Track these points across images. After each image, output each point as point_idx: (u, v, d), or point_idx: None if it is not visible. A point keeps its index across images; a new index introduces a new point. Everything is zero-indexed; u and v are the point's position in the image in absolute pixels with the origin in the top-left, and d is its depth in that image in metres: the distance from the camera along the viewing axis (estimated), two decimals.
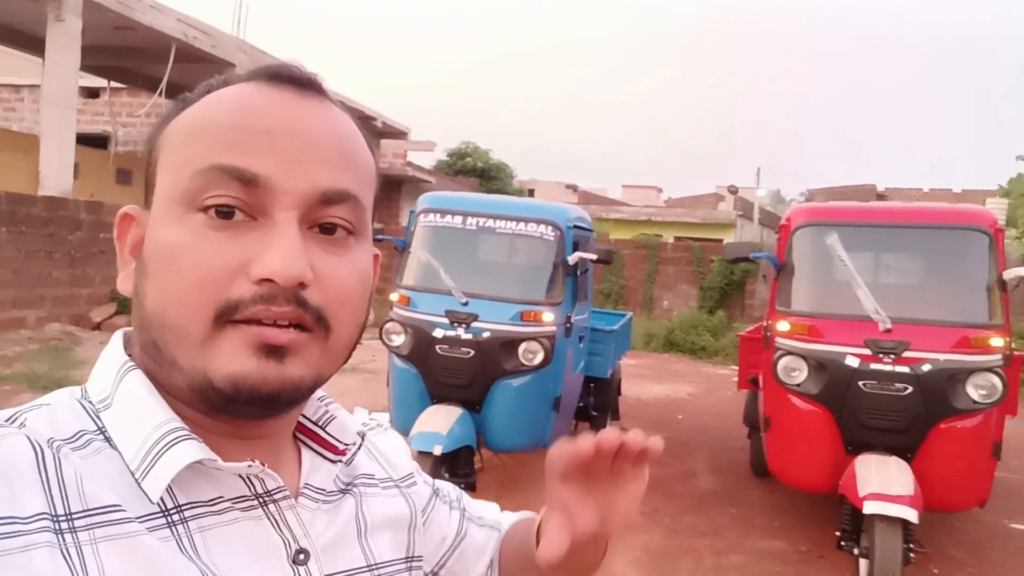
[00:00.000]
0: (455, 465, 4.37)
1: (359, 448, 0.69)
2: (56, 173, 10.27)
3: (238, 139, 0.54)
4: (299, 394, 0.56)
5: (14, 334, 8.87)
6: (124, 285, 0.59)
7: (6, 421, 0.53)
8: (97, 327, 9.96)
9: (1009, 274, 4.03)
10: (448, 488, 0.86)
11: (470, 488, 4.48)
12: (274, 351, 0.53)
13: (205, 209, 0.53)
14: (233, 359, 0.53)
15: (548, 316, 4.68)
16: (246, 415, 0.56)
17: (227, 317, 0.53)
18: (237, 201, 0.53)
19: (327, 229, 0.57)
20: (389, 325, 4.71)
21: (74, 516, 0.49)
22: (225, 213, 0.53)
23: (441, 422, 4.33)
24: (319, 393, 0.69)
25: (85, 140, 13.71)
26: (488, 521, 0.87)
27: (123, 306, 10.39)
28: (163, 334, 0.54)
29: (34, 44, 11.65)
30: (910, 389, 3.87)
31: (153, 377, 0.57)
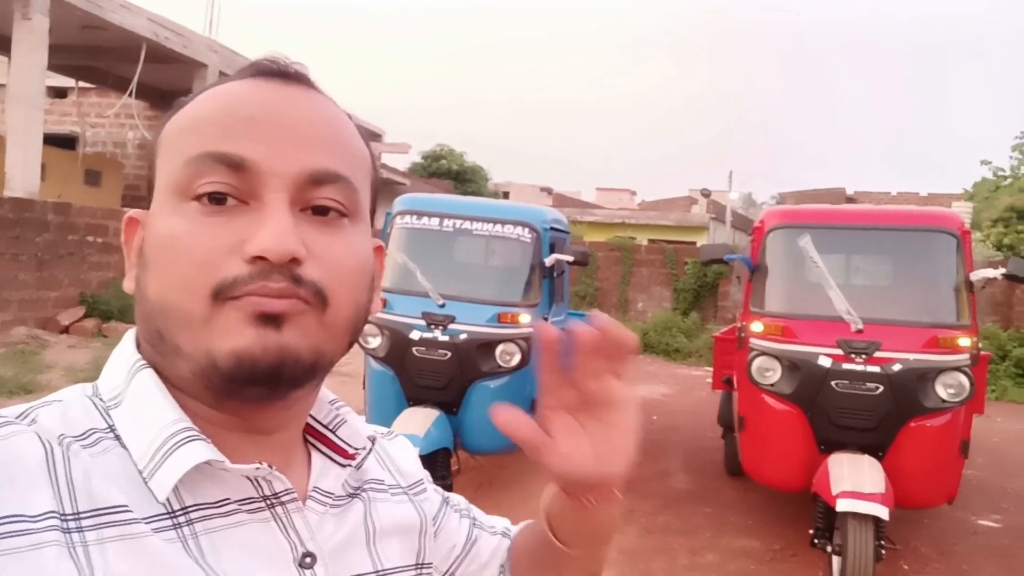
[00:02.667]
0: (432, 467, 4.36)
1: (369, 453, 0.68)
2: (22, 174, 10.08)
3: (225, 127, 0.55)
4: (300, 368, 0.56)
5: None
6: (129, 284, 0.60)
7: (17, 417, 0.52)
8: (65, 330, 9.78)
9: (976, 275, 4.12)
10: (458, 498, 0.86)
11: (446, 490, 4.47)
12: (271, 319, 0.54)
13: (198, 197, 0.54)
14: (233, 334, 0.53)
15: (525, 317, 4.69)
16: (250, 396, 0.56)
17: (225, 295, 0.53)
18: (228, 187, 0.54)
19: (320, 211, 0.57)
20: (365, 327, 4.65)
21: (82, 516, 0.49)
22: (217, 199, 0.54)
23: (418, 424, 4.32)
24: (330, 396, 0.69)
25: (52, 140, 13.47)
26: (499, 529, 0.87)
27: (92, 309, 10.22)
28: (165, 320, 0.55)
29: (0, 43, 11.43)
30: (881, 388, 3.94)
31: (161, 373, 0.57)
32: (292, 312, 0.54)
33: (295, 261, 0.54)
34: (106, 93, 15.76)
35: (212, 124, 0.56)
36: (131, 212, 0.62)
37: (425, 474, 0.81)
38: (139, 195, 16.43)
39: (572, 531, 0.72)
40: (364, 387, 4.98)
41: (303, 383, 0.58)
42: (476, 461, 5.40)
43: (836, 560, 3.77)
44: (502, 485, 5.29)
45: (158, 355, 0.57)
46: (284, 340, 0.54)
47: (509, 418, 0.60)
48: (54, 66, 11.69)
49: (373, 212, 0.65)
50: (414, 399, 4.60)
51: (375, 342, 4.65)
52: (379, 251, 0.68)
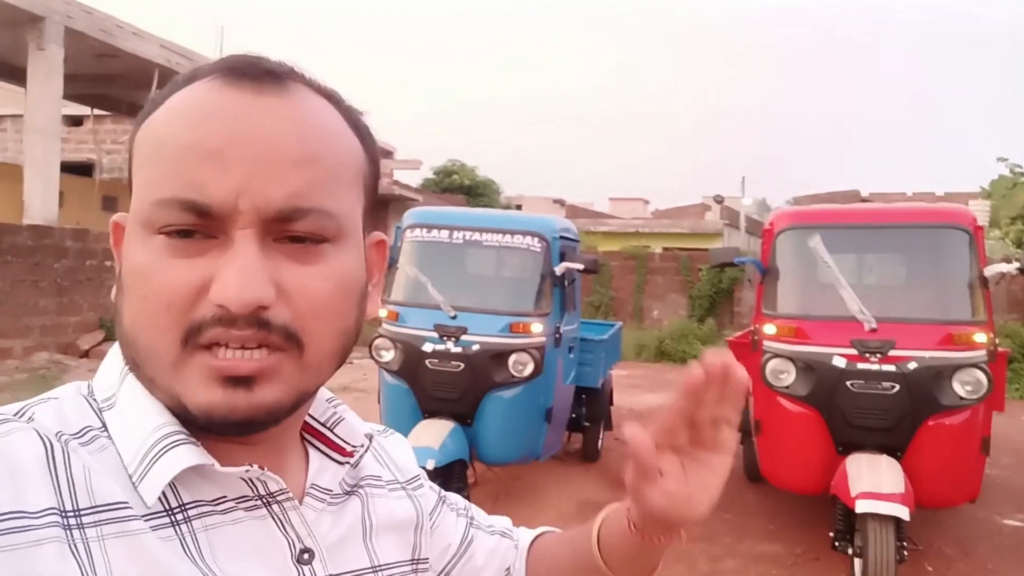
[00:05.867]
0: (448, 479, 4.36)
1: (366, 450, 0.68)
2: (41, 202, 10.26)
3: (189, 164, 0.53)
4: (275, 416, 0.55)
5: (0, 364, 8.80)
6: (115, 294, 0.58)
7: (15, 415, 0.52)
8: (85, 355, 9.91)
9: (990, 270, 4.08)
10: (456, 497, 0.85)
11: None
12: (241, 381, 0.52)
13: (166, 232, 0.53)
14: (200, 390, 0.52)
15: (537, 327, 4.69)
16: (227, 434, 0.56)
17: (193, 340, 0.52)
18: (194, 225, 0.53)
19: (297, 238, 0.55)
20: (378, 341, 4.71)
21: (82, 512, 0.49)
22: (185, 232, 0.53)
23: (433, 436, 4.32)
24: (327, 394, 0.69)
25: (70, 168, 13.69)
26: (498, 529, 0.86)
27: (111, 333, 10.32)
28: (138, 354, 0.54)
29: (16, 74, 11.66)
30: (897, 387, 3.90)
31: None
32: (264, 369, 0.53)
33: (262, 307, 0.52)
34: (121, 120, 16.01)
35: (177, 156, 0.53)
36: (116, 217, 0.60)
37: (421, 471, 0.81)
38: None
39: (625, 560, 0.74)
40: (379, 401, 5.00)
41: (283, 421, 0.58)
42: (493, 472, 5.39)
43: (858, 562, 3.73)
44: (519, 496, 5.28)
45: (136, 375, 0.56)
46: (256, 399, 0.53)
47: (639, 436, 0.61)
48: (69, 95, 11.90)
49: (373, 210, 0.63)
50: (428, 411, 4.61)
51: (388, 356, 4.67)
52: (380, 245, 0.66)
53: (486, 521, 0.86)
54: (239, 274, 0.51)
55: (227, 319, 0.52)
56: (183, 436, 0.54)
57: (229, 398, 0.52)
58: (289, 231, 0.54)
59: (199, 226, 0.53)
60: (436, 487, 0.83)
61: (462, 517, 0.83)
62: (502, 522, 0.88)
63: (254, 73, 0.56)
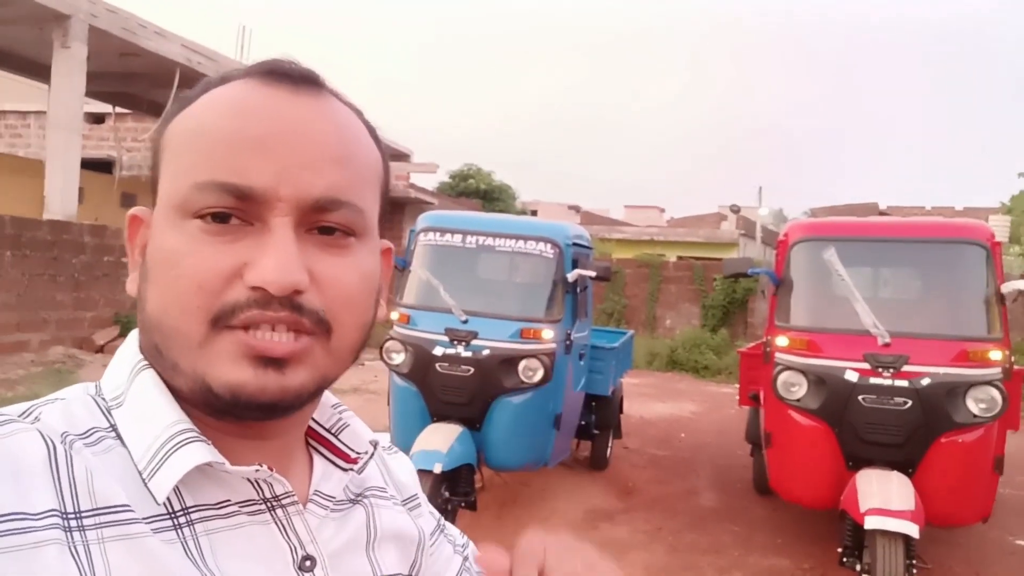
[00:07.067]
0: (455, 483, 4.36)
1: (371, 457, 0.68)
2: (61, 197, 10.37)
3: (232, 150, 0.54)
4: (301, 400, 0.56)
5: (17, 357, 8.90)
6: (131, 286, 0.59)
7: (20, 415, 0.52)
8: (100, 350, 9.99)
9: (1007, 287, 4.04)
10: (456, 532, 0.84)
11: (470, 507, 4.46)
12: (273, 361, 0.53)
13: (202, 216, 0.54)
14: (231, 368, 0.53)
15: (548, 333, 4.69)
16: (247, 417, 0.56)
17: (224, 322, 0.53)
18: (232, 209, 0.54)
19: (326, 230, 0.57)
20: (389, 344, 4.72)
21: (83, 515, 0.49)
22: (221, 217, 0.54)
23: (441, 440, 4.32)
24: (333, 400, 0.69)
25: (90, 165, 13.85)
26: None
27: (126, 329, 10.43)
28: (163, 337, 0.55)
29: (40, 71, 11.80)
30: (910, 403, 3.86)
31: (161, 377, 0.57)
32: (296, 352, 0.54)
33: (297, 291, 0.53)
34: (142, 118, 16.17)
35: (218, 143, 0.55)
36: (134, 210, 0.61)
37: (421, 493, 0.80)
38: None
39: None
40: (388, 404, 5.01)
41: (304, 407, 0.59)
42: (500, 478, 5.39)
43: None
44: (526, 503, 5.27)
45: (157, 366, 0.57)
46: (286, 381, 0.54)
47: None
48: (92, 92, 12.03)
49: (382, 215, 0.65)
50: (437, 415, 4.61)
51: (399, 358, 4.68)
52: (387, 253, 0.67)
53: (477, 567, 0.83)
54: (278, 258, 0.53)
55: (263, 301, 0.53)
56: (195, 433, 0.54)
57: (260, 378, 0.53)
58: (322, 221, 0.56)
59: (237, 210, 0.54)
60: (436, 513, 0.81)
61: (458, 555, 0.81)
62: None
63: (293, 75, 0.58)
